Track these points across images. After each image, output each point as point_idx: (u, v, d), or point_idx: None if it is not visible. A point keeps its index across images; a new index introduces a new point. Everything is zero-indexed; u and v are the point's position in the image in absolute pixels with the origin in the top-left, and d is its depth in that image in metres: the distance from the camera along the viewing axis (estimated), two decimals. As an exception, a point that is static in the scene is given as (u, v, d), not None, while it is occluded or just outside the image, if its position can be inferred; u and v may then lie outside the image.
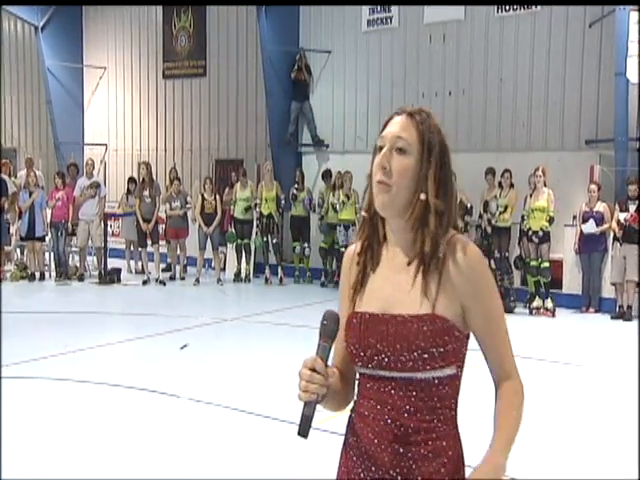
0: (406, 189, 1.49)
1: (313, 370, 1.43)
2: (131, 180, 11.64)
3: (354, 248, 1.61)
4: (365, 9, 11.49)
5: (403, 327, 1.46)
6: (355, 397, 1.59)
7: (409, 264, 1.51)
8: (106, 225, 11.03)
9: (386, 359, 1.48)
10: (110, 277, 10.62)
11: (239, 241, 10.91)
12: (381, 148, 1.52)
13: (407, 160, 1.49)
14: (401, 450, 1.47)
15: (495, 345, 1.52)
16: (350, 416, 1.59)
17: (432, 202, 1.48)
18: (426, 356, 1.44)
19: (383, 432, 1.48)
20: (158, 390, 5.36)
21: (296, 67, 11.88)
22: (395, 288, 1.51)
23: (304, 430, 1.43)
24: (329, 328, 1.45)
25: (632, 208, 8.56)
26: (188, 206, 11.02)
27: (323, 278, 10.76)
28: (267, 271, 10.82)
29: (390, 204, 1.50)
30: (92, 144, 14.84)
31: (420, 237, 1.50)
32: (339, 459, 1.60)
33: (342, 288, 1.64)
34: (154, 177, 10.99)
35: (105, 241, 10.77)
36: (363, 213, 1.58)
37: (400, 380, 1.48)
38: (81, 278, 10.75)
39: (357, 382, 1.58)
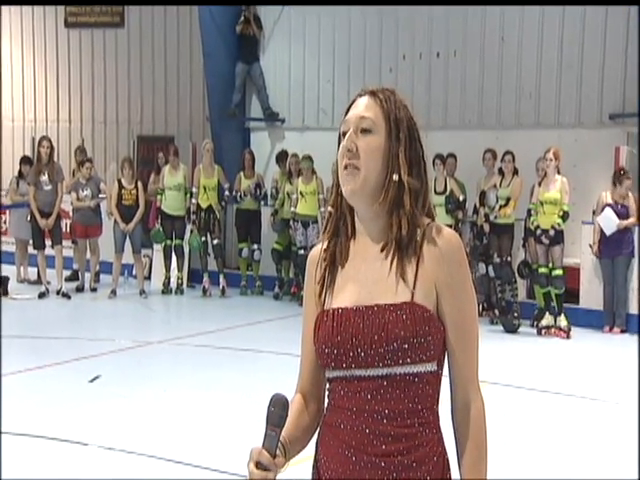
0: (375, 171, 1.73)
1: (258, 464, 1.63)
2: (24, 160, 11.36)
3: (320, 246, 1.85)
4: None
5: (380, 317, 1.69)
6: (325, 410, 1.81)
7: (383, 250, 1.75)
8: (-11, 220, 10.80)
9: (362, 354, 1.69)
10: (-6, 288, 10.39)
11: (168, 242, 10.82)
12: (345, 134, 1.77)
13: (374, 139, 1.74)
14: (382, 464, 1.67)
15: (463, 345, 1.75)
16: (319, 433, 1.80)
17: (406, 180, 1.73)
18: (406, 346, 1.66)
19: (361, 445, 1.69)
20: (60, 437, 5.24)
21: (242, 19, 11.83)
22: (369, 278, 1.75)
23: None
24: (276, 415, 1.64)
25: (665, 200, 8.70)
26: (102, 196, 10.88)
27: (277, 289, 10.74)
28: (205, 280, 10.75)
29: (360, 189, 1.72)
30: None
31: (396, 220, 1.74)
32: None
33: (307, 292, 1.87)
34: (55, 157, 10.73)
35: (-12, 241, 10.58)
36: (329, 209, 1.83)
37: (377, 379, 1.69)
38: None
39: (327, 391, 1.80)
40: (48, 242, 10.39)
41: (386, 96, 1.77)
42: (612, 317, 9.03)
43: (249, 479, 1.61)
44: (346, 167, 1.73)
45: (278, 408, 1.64)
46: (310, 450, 1.84)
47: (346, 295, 1.76)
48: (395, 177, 1.72)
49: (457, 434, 1.77)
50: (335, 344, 1.71)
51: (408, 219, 1.72)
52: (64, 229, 11.01)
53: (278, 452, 1.65)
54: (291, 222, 10.36)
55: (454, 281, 1.72)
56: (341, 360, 1.71)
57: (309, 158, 10.23)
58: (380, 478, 1.67)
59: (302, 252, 10.21)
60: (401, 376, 1.69)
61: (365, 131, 1.74)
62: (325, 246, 1.83)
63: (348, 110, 1.80)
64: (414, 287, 1.70)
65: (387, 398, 1.68)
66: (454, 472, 1.77)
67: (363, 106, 1.77)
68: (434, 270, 1.71)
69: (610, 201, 9.00)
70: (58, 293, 10.29)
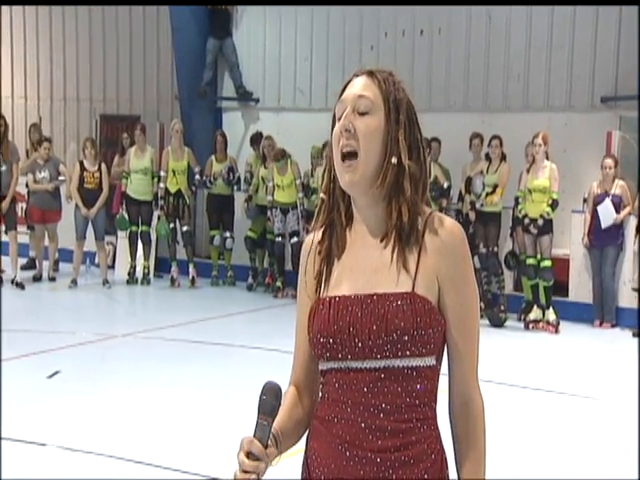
0: (375, 154, 1.73)
1: (249, 454, 1.64)
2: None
3: (313, 237, 1.86)
4: None
5: (380, 306, 1.70)
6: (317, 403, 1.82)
7: (383, 239, 1.77)
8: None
9: (360, 344, 1.70)
10: (-57, 278, 10.29)
11: (134, 228, 10.75)
12: (340, 117, 1.76)
13: (373, 120, 1.73)
14: (378, 460, 1.68)
15: (464, 341, 1.76)
16: (310, 427, 1.81)
17: (407, 164, 1.73)
18: (406, 338, 1.68)
19: (355, 440, 1.69)
20: (15, 437, 5.17)
21: (214, -9, 11.78)
22: (367, 267, 1.76)
23: None
24: (268, 404, 1.66)
25: (659, 188, 8.74)
26: (61, 178, 10.80)
27: (250, 279, 10.74)
28: (174, 269, 10.73)
29: (360, 177, 1.72)
30: None
31: (395, 206, 1.74)
32: None
33: (301, 286, 1.86)
34: (10, 136, 10.61)
35: None
36: (322, 195, 1.83)
37: (375, 371, 1.70)
38: None
39: (320, 384, 1.81)
40: (2, 227, 10.28)
41: (384, 77, 1.78)
42: (602, 311, 9.07)
43: (240, 470, 1.63)
44: (343, 157, 1.72)
45: (270, 396, 1.65)
46: (301, 444, 1.83)
47: (344, 284, 1.77)
48: (394, 160, 1.73)
49: (456, 432, 1.78)
50: (331, 333, 1.72)
51: (408, 206, 1.73)
52: (19, 213, 10.95)
53: (270, 442, 1.66)
54: (269, 211, 10.27)
55: (457, 274, 1.74)
56: (337, 350, 1.72)
57: (282, 155, 9.99)
58: (375, 474, 1.68)
59: (279, 239, 10.18)
60: (399, 369, 1.70)
61: (363, 113, 1.74)
62: (319, 238, 1.83)
63: (343, 90, 1.80)
64: (415, 278, 1.72)
65: (384, 391, 1.70)
66: (452, 471, 1.76)
67: (361, 85, 1.77)
68: (436, 261, 1.73)
69: (600, 191, 9.01)
70: (12, 283, 10.22)
